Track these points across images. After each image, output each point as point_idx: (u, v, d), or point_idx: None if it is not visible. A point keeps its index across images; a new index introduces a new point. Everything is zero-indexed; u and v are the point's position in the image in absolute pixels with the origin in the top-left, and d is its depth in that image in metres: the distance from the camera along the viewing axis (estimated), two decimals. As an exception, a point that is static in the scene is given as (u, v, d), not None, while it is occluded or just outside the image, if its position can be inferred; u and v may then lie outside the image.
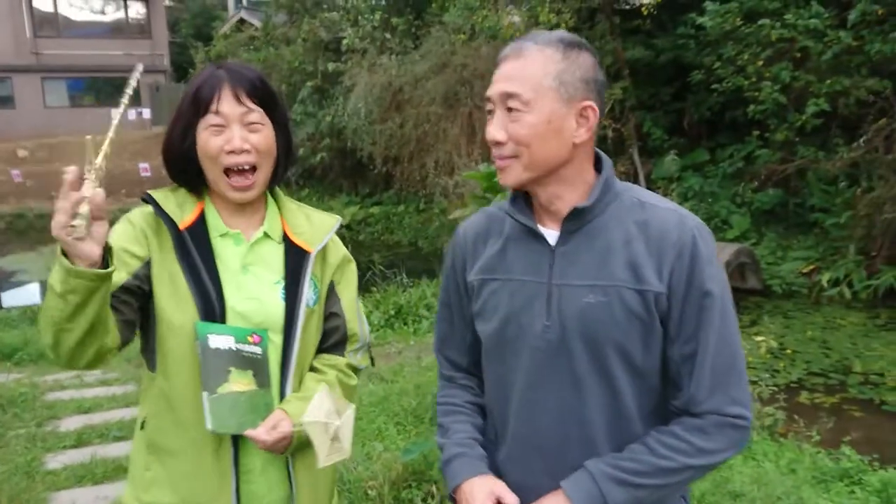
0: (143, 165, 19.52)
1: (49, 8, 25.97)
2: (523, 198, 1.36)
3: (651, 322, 1.24)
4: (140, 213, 1.50)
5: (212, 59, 19.38)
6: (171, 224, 1.46)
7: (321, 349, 1.61)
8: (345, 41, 14.48)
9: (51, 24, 26.03)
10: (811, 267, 9.46)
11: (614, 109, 11.73)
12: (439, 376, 1.59)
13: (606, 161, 1.33)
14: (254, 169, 1.47)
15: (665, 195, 11.46)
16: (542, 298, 1.30)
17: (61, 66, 25.32)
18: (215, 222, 1.52)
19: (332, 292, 1.62)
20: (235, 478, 1.46)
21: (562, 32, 1.29)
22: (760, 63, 9.45)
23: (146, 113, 24.45)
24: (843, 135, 9.82)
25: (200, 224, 1.50)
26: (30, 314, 8.44)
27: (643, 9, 12.00)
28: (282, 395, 1.50)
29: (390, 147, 13.78)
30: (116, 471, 3.63)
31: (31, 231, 17.85)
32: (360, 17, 14.49)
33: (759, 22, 9.21)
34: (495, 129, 1.28)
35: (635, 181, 11.46)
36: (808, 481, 3.45)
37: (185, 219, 1.49)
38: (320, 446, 1.37)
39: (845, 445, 4.12)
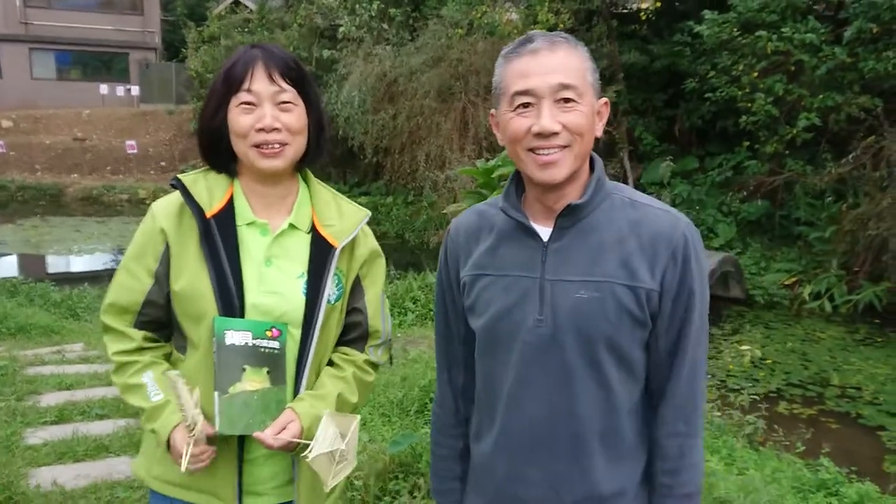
0: (130, 143, 19.31)
1: (41, -22, 25.57)
2: (516, 194, 1.37)
3: (642, 317, 1.28)
4: (165, 203, 1.51)
5: (205, 40, 19.20)
6: (199, 212, 1.46)
7: (340, 342, 1.61)
8: (341, 29, 14.40)
9: (41, -6, 25.63)
10: (793, 279, 9.58)
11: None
12: (437, 401, 1.57)
13: (598, 160, 1.36)
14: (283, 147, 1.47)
15: (653, 200, 11.58)
16: (534, 294, 1.32)
17: (50, 38, 24.98)
18: (243, 210, 1.51)
19: (357, 286, 1.60)
20: (239, 464, 1.46)
21: (564, 34, 1.33)
22: (755, 74, 9.53)
23: (134, 90, 24.20)
24: (831, 150, 9.94)
25: (228, 211, 1.49)
26: (9, 287, 8.32)
27: (641, 14, 12.04)
28: (296, 391, 1.49)
29: (382, 138, 13.74)
30: (98, 449, 3.59)
31: (12, 203, 17.62)
32: (357, 6, 14.41)
33: (756, 33, 9.28)
34: (550, 121, 1.26)
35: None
36: (789, 490, 3.50)
37: (213, 206, 1.48)
38: (326, 474, 1.40)
39: (824, 457, 4.18)
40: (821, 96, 9.11)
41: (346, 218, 1.57)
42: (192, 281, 1.44)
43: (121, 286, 1.51)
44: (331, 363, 1.59)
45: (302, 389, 1.50)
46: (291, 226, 1.52)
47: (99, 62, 26.38)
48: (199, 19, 21.22)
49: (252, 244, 1.48)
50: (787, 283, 9.59)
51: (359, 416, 1.49)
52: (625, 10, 13.49)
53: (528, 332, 1.32)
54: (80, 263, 12.60)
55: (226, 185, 1.51)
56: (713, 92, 10.27)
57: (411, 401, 4.20)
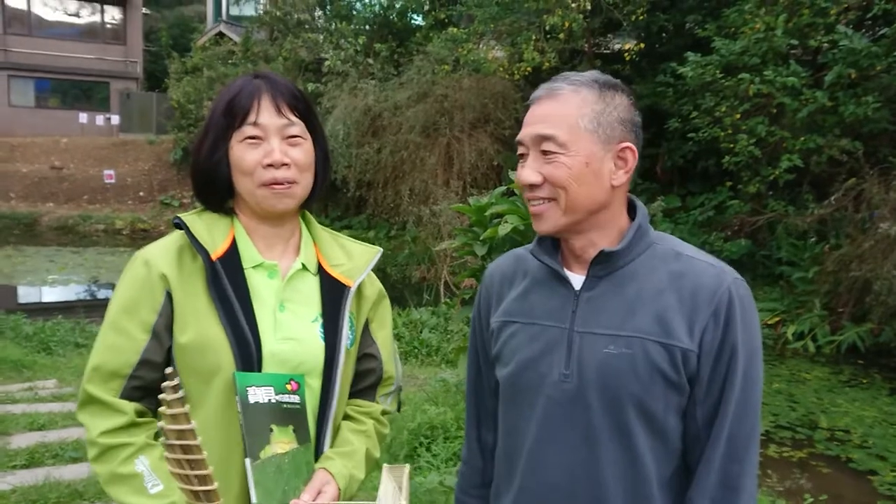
0: (108, 172, 19.10)
1: (22, 5, 25.46)
2: (550, 238, 1.31)
3: (677, 380, 1.18)
4: (161, 248, 1.37)
5: (188, 71, 19.14)
6: (205, 254, 1.32)
7: (352, 392, 1.50)
8: (326, 63, 14.43)
9: (22, 22, 25.49)
10: (776, 318, 9.58)
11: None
12: (464, 458, 1.50)
13: (641, 207, 1.28)
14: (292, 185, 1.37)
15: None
16: (562, 345, 1.24)
17: (29, 66, 24.77)
18: (248, 251, 1.39)
19: (366, 330, 1.51)
20: None
21: (596, 73, 1.26)
22: (738, 116, 9.65)
23: (115, 119, 24.02)
24: (813, 191, 10.04)
25: (233, 254, 1.36)
26: (-20, 318, 8.05)
27: (626, 54, 12.20)
28: (318, 449, 1.38)
29: (365, 172, 13.69)
30: (71, 496, 3.41)
31: (-15, 231, 17.26)
32: (342, 40, 14.47)
33: (739, 76, 9.41)
34: (528, 172, 1.23)
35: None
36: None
37: (217, 248, 1.35)
38: None
39: (818, 504, 4.09)
40: (802, 138, 9.23)
41: (355, 257, 1.48)
42: (203, 331, 1.30)
43: (109, 347, 1.31)
44: (347, 417, 1.48)
45: (325, 447, 1.38)
46: (303, 266, 1.42)
47: (79, 90, 26.17)
48: (181, 50, 21.19)
49: (262, 288, 1.37)
50: (769, 322, 9.58)
51: (408, 466, 1.39)
52: (607, 51, 13.68)
53: (553, 386, 1.24)
54: (53, 294, 12.29)
55: (226, 226, 1.39)
56: (696, 132, 10.37)
57: (400, 445, 4.06)
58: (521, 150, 1.26)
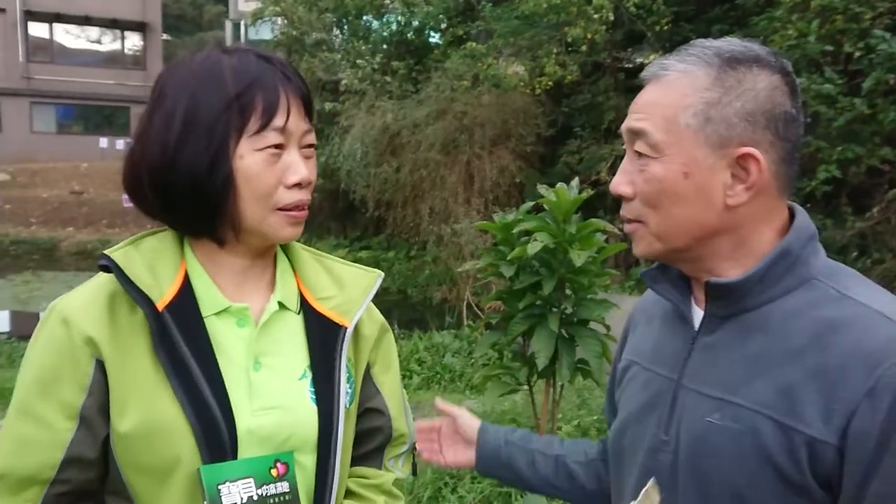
0: (127, 196, 19.05)
1: (45, 34, 25.81)
2: None
3: (799, 480, 0.83)
4: (82, 299, 1.00)
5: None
6: (147, 304, 0.97)
7: (354, 459, 1.16)
8: (343, 81, 14.26)
9: (45, 51, 25.84)
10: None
11: (616, 165, 11.53)
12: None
13: (798, 223, 0.94)
14: None
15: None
16: (665, 402, 0.95)
17: (52, 92, 25.03)
18: (208, 292, 1.03)
19: (367, 378, 1.17)
20: None
21: (726, 43, 0.92)
22: (770, 126, 9.29)
23: (135, 143, 24.11)
24: (852, 203, 9.63)
25: (186, 298, 1.01)
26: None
27: (650, 66, 11.89)
28: None
29: (384, 191, 13.44)
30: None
31: (5, 257, 17.21)
32: (359, 59, 14.30)
33: (771, 85, 9.06)
34: (619, 180, 0.96)
35: (625, 239, 11.20)
36: None
37: (164, 292, 0.99)
38: None
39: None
40: (840, 148, 8.83)
41: (348, 286, 1.13)
42: (152, 412, 0.95)
43: (19, 442, 0.96)
44: (348, 493, 1.14)
45: None
46: (281, 305, 1.08)
47: (100, 116, 26.40)
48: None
49: (228, 341, 1.02)
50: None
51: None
52: (629, 65, 13.40)
53: (649, 454, 0.95)
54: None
55: (174, 258, 1.03)
56: (726, 144, 10.02)
57: (423, 487, 3.71)
58: (625, 146, 0.97)
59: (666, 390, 0.97)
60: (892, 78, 8.53)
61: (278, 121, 0.98)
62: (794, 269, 0.90)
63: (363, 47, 14.86)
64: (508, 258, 3.83)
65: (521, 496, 3.49)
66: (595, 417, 4.43)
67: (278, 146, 0.99)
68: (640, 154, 0.93)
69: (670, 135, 0.90)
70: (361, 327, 1.15)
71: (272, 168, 0.99)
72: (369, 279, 1.17)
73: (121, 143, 23.48)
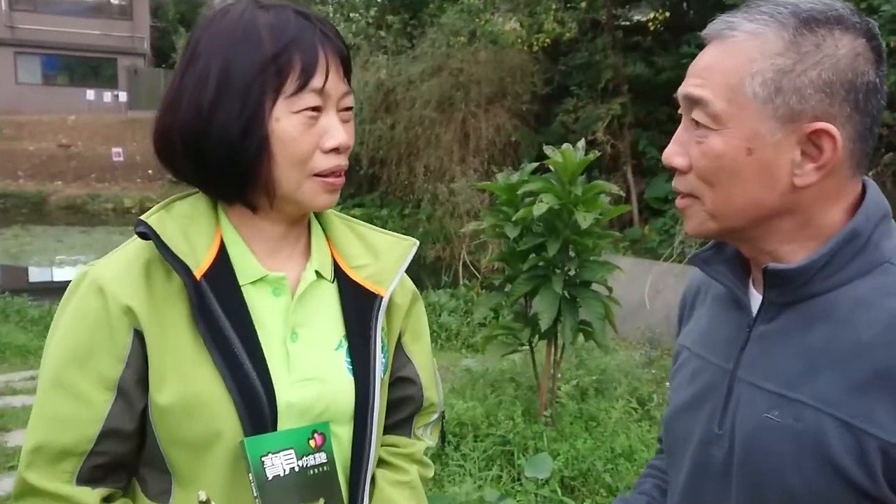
0: (117, 150, 18.79)
1: (27, -18, 25.11)
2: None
3: (870, 487, 0.76)
4: (117, 266, 0.97)
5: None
6: (185, 272, 0.94)
7: (385, 427, 1.15)
8: (337, 35, 14.01)
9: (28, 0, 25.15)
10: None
11: (612, 125, 11.46)
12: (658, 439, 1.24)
13: (870, 201, 0.84)
14: None
15: (658, 216, 11.31)
16: (719, 393, 0.89)
17: (36, 42, 24.43)
18: (244, 260, 1.00)
19: (398, 347, 1.15)
20: None
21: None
22: (769, 88, 9.23)
23: (122, 96, 23.70)
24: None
25: (222, 265, 0.97)
26: (-17, 301, 7.81)
27: (649, 24, 11.74)
28: None
29: (378, 148, 13.31)
30: None
31: (-8, 210, 17.05)
32: (353, 13, 14.04)
33: (771, 45, 8.97)
34: (672, 150, 0.87)
35: (627, 201, 11.19)
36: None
37: (200, 260, 0.96)
38: None
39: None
40: (838, 111, 8.81)
41: (383, 254, 1.10)
42: (192, 384, 0.93)
43: (55, 417, 0.93)
44: (383, 463, 1.14)
45: None
46: (317, 274, 1.05)
47: (86, 67, 25.86)
48: (189, 25, 20.76)
49: (264, 311, 0.99)
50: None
51: None
52: (627, 23, 13.20)
53: (700, 447, 0.89)
54: (61, 275, 12.06)
55: (208, 224, 0.99)
56: (723, 106, 9.95)
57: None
58: (679, 109, 0.87)
59: (720, 381, 0.89)
60: (894, 41, 8.46)
61: (316, 82, 0.93)
62: (864, 253, 0.82)
63: (357, 0, 14.57)
64: (513, 219, 3.82)
65: (524, 454, 3.54)
66: (594, 378, 4.47)
67: (316, 108, 0.95)
68: (697, 123, 0.83)
69: (733, 105, 0.79)
70: (394, 296, 1.12)
71: (309, 132, 0.95)
72: (404, 247, 1.13)
73: (108, 96, 23.09)
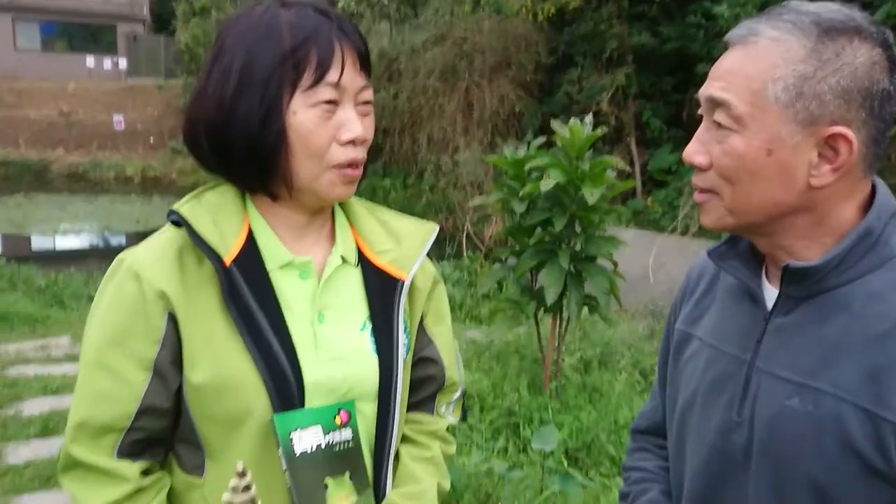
0: (118, 118, 18.72)
1: (25, -55, 24.72)
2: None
3: (887, 472, 0.81)
4: (152, 253, 1.02)
5: (195, 12, 18.53)
6: (215, 259, 0.99)
7: (408, 405, 1.20)
8: (340, 4, 13.86)
9: (26, -37, 24.80)
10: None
11: (616, 96, 11.40)
12: (629, 435, 1.27)
13: (881, 200, 0.88)
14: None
15: (660, 188, 11.30)
16: (737, 383, 0.93)
17: (35, 7, 24.14)
18: (272, 246, 1.05)
19: (420, 329, 1.19)
20: None
21: (824, 9, 0.84)
22: (775, 59, 9.16)
23: (122, 63, 23.47)
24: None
25: (251, 252, 1.02)
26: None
27: (655, -8, 11.61)
28: (378, 492, 1.09)
29: (381, 118, 13.24)
30: (88, 472, 3.20)
31: (-7, 178, 17.02)
32: (356, -20, 13.87)
33: (778, 16, 8.89)
34: (693, 149, 0.90)
35: (630, 172, 11.18)
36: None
37: (230, 246, 1.01)
38: None
39: None
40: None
41: (405, 240, 1.15)
42: (225, 365, 0.98)
43: (96, 395, 1.00)
44: (406, 440, 1.19)
45: (387, 487, 1.10)
46: (342, 260, 1.10)
47: (85, 33, 25.56)
48: (189, -9, 20.51)
49: (292, 294, 1.04)
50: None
51: None
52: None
53: (718, 434, 0.94)
54: (65, 243, 12.12)
55: (237, 213, 1.04)
56: (728, 77, 9.88)
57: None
58: (700, 110, 0.91)
59: (737, 371, 0.93)
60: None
61: (332, 75, 0.97)
62: (876, 249, 0.86)
63: (360, -33, 14.39)
64: (520, 195, 3.85)
65: (529, 425, 3.61)
66: (598, 350, 4.54)
67: (332, 102, 0.98)
68: (719, 125, 0.86)
69: (755, 108, 0.83)
70: (415, 280, 1.16)
71: (325, 124, 0.99)
72: (425, 232, 1.17)
73: (108, 63, 22.90)
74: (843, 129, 0.82)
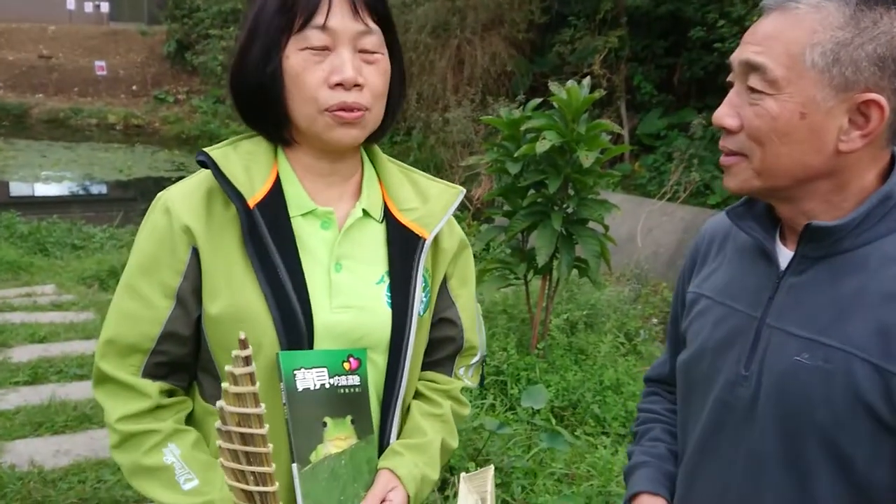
0: (100, 64, 18.28)
1: None
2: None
3: (892, 419, 0.85)
4: (183, 191, 1.09)
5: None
6: (240, 201, 1.04)
7: (425, 364, 1.24)
8: (330, -47, 13.56)
9: None
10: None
11: (609, 58, 11.31)
12: (644, 382, 1.33)
13: None
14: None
15: (650, 153, 11.30)
16: (747, 338, 0.97)
17: (12, -55, 23.31)
18: (296, 194, 1.10)
19: (443, 290, 1.23)
20: None
21: None
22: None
23: (104, 6, 22.81)
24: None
25: (276, 198, 1.07)
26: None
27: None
28: (383, 440, 1.13)
29: (370, 73, 13.10)
30: (79, 420, 3.23)
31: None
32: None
33: (776, -18, 8.82)
34: (724, 112, 0.93)
35: (619, 136, 11.16)
36: None
37: (256, 191, 1.06)
38: None
39: None
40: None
41: (432, 200, 1.18)
42: (239, 299, 1.04)
43: (124, 315, 1.08)
44: (419, 395, 1.23)
45: (392, 437, 1.14)
46: (364, 213, 1.13)
47: (65, -26, 24.79)
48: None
49: (313, 241, 1.09)
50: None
51: (492, 468, 1.15)
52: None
53: (726, 387, 0.98)
54: (47, 190, 11.93)
55: (267, 161, 1.10)
56: (721, 42, 9.83)
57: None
58: (731, 77, 0.94)
59: (747, 327, 0.97)
60: None
61: (318, 19, 1.01)
62: (893, 213, 0.90)
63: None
64: (515, 155, 3.84)
65: (517, 384, 3.67)
66: (584, 312, 4.59)
67: (320, 48, 1.02)
68: (753, 90, 0.89)
69: (792, 72, 0.86)
70: (442, 240, 1.20)
71: (314, 68, 1.02)
72: (452, 194, 1.21)
73: (89, 6, 22.21)
74: (878, 95, 0.84)
